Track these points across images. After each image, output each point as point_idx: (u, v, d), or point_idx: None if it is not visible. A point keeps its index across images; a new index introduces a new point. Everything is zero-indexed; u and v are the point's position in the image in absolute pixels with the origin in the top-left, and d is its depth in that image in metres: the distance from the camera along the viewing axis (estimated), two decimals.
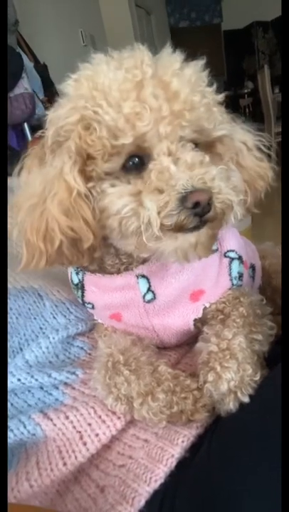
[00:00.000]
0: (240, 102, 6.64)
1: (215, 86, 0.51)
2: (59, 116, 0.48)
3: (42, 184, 0.47)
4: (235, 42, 7.11)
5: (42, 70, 2.46)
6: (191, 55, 0.51)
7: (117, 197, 0.46)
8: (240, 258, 0.62)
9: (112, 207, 0.46)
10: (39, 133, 0.52)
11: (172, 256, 0.46)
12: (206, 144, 0.51)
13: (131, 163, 0.47)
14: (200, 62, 0.50)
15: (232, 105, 6.74)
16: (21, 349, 0.60)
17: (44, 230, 0.46)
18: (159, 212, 0.43)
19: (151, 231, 0.43)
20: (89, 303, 0.62)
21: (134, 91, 0.44)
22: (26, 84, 2.10)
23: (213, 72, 0.52)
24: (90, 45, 3.50)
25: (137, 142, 0.45)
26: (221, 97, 0.52)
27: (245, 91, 6.66)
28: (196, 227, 0.45)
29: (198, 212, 0.44)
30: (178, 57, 0.49)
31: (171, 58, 0.48)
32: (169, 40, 0.55)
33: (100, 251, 0.51)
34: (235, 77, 7.17)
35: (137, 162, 0.47)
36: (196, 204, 0.43)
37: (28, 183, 0.49)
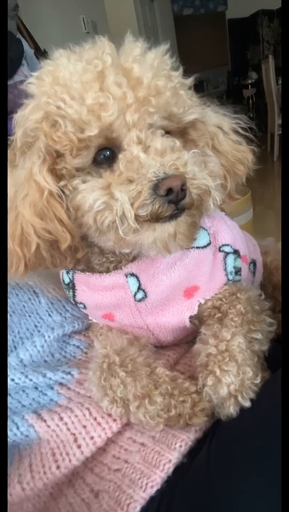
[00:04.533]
0: (244, 93, 6.56)
1: (181, 70, 0.49)
2: (24, 117, 0.46)
3: (13, 188, 0.46)
4: (239, 31, 6.99)
5: (42, 57, 2.42)
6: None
7: (89, 192, 0.44)
8: (235, 252, 0.60)
9: (84, 203, 0.44)
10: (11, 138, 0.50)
11: (152, 248, 0.45)
12: (178, 131, 0.50)
13: (102, 156, 0.46)
14: (163, 47, 0.48)
15: (235, 96, 6.67)
16: (15, 348, 0.58)
17: (20, 234, 0.44)
18: (132, 204, 0.42)
19: (127, 224, 0.42)
20: (80, 303, 0.60)
21: (96, 81, 0.43)
22: (26, 72, 2.05)
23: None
24: (92, 31, 3.43)
25: (104, 133, 0.44)
26: (189, 81, 0.50)
27: (249, 81, 6.57)
28: (174, 216, 0.44)
29: (173, 199, 0.42)
30: (139, 44, 0.47)
31: (132, 45, 0.47)
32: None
33: (83, 251, 0.50)
34: (239, 67, 7.07)
35: (108, 155, 0.46)
36: (169, 191, 0.42)
37: None
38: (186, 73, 0.51)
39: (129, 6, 4.17)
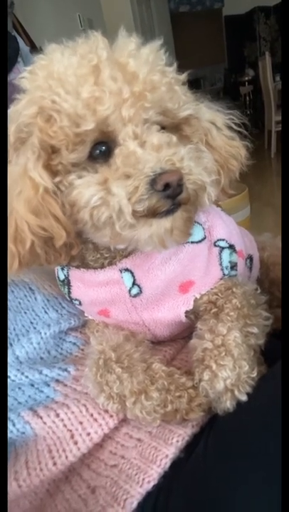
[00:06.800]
0: (241, 90, 6.55)
1: (175, 65, 0.49)
2: (18, 112, 0.46)
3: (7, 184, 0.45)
4: (236, 28, 6.98)
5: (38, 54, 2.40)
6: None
7: (85, 188, 0.44)
8: (231, 247, 0.60)
9: (80, 199, 0.44)
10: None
11: (149, 243, 0.45)
12: (172, 127, 0.50)
13: (98, 151, 0.45)
14: (157, 43, 0.48)
15: (232, 93, 6.66)
16: (11, 344, 0.58)
17: (14, 231, 0.44)
18: (129, 199, 0.41)
19: (124, 219, 0.42)
20: (76, 299, 0.60)
21: (91, 75, 0.43)
22: (22, 69, 2.04)
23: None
24: (88, 29, 3.42)
25: (100, 128, 0.44)
26: (183, 76, 0.50)
27: (246, 78, 6.55)
28: (170, 211, 0.44)
29: (170, 194, 0.42)
30: (133, 39, 0.47)
31: (127, 40, 0.47)
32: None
33: (78, 248, 0.49)
34: (236, 64, 7.06)
35: (104, 150, 0.45)
36: (166, 186, 0.42)
37: None
38: (183, 70, 0.51)
39: (125, 3, 4.16)
